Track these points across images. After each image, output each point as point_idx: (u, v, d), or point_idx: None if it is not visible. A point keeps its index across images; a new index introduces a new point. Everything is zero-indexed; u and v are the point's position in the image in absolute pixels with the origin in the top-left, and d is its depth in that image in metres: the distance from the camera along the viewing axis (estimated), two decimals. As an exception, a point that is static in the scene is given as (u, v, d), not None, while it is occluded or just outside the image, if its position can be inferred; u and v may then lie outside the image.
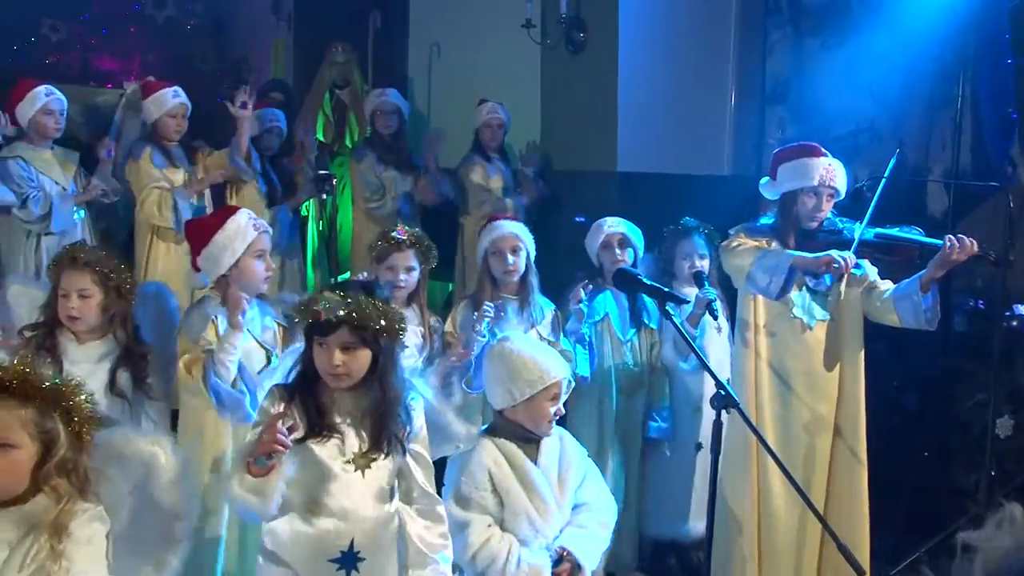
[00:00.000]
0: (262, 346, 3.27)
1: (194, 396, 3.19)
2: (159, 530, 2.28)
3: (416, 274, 3.67)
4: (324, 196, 5.02)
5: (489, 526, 2.80)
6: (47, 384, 2.01)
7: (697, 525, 4.02)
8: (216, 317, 3.19)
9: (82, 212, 4.88)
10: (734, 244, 3.55)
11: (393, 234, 3.68)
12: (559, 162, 5.67)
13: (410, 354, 3.23)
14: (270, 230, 3.35)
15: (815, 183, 3.47)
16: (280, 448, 2.40)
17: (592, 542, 2.91)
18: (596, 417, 3.95)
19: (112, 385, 3.10)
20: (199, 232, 3.31)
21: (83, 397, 2.06)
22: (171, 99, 5.01)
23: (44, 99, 4.78)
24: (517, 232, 3.86)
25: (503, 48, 5.88)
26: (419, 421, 2.69)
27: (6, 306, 3.37)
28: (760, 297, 3.57)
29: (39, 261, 4.65)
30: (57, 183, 4.80)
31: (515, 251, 3.81)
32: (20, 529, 2.02)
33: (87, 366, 3.09)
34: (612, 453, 3.98)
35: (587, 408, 3.95)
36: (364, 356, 2.54)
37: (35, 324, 3.19)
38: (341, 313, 2.49)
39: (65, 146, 4.97)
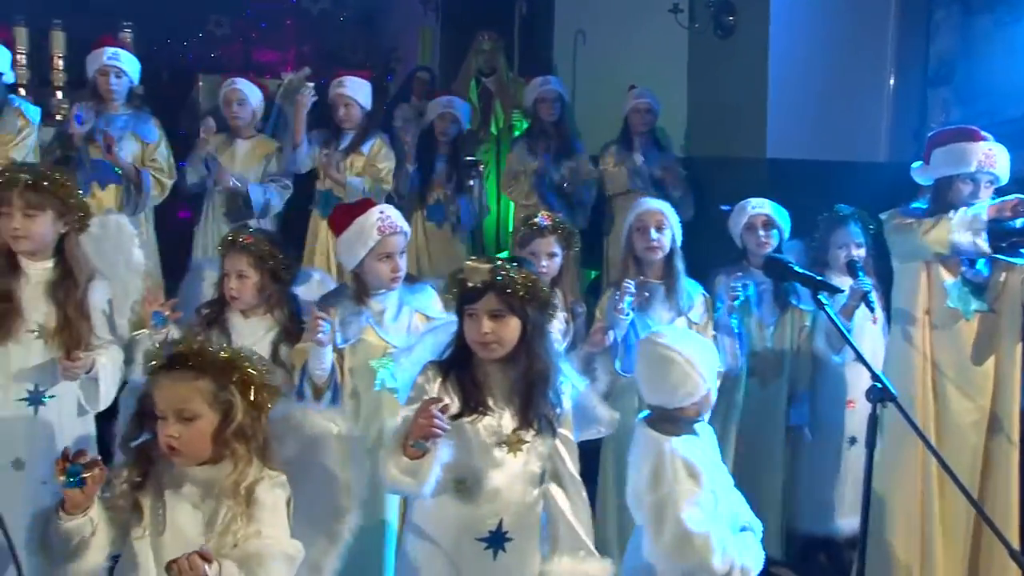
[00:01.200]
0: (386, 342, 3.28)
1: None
2: (331, 503, 2.38)
3: (558, 260, 3.66)
4: (471, 183, 5.08)
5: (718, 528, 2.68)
6: (221, 356, 2.15)
7: (849, 522, 3.90)
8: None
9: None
10: (907, 221, 3.36)
11: (535, 220, 3.69)
12: (705, 149, 5.56)
13: (555, 340, 3.23)
14: (404, 230, 3.30)
15: (972, 169, 3.28)
16: (437, 431, 2.41)
17: (753, 541, 2.81)
18: (722, 406, 3.70)
19: (275, 358, 3.26)
20: (339, 224, 3.37)
21: (256, 366, 2.19)
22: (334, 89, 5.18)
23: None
24: (662, 208, 3.75)
25: (649, 34, 5.82)
26: (567, 404, 2.69)
27: (199, 284, 3.63)
28: (924, 286, 3.40)
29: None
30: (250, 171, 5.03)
31: (660, 227, 3.69)
32: (202, 490, 2.17)
33: (252, 340, 3.27)
34: (739, 443, 3.88)
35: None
36: (513, 324, 2.56)
37: (210, 301, 3.42)
38: (487, 278, 2.53)
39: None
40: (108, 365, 3.17)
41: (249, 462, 2.16)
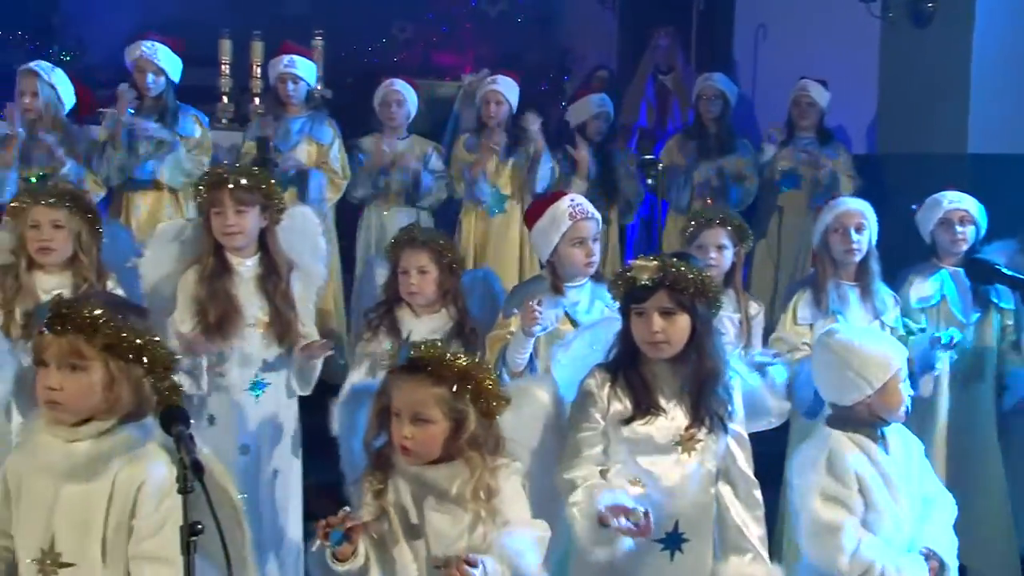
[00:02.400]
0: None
1: None
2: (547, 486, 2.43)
3: (729, 254, 3.60)
4: (649, 181, 5.02)
5: (856, 529, 2.59)
6: (459, 365, 2.21)
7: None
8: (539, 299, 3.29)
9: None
10: None
11: (703, 212, 3.69)
12: (898, 145, 5.27)
13: (727, 342, 3.16)
14: (596, 216, 3.38)
15: None
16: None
17: (951, 540, 2.68)
18: (918, 408, 3.54)
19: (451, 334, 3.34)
20: (532, 214, 3.48)
21: (491, 376, 2.25)
22: (487, 84, 5.29)
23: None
24: (863, 210, 3.65)
25: (838, 25, 5.58)
26: (738, 400, 2.64)
27: (374, 284, 3.75)
28: None
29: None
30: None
31: (859, 229, 3.61)
32: (442, 490, 2.23)
33: (425, 335, 3.31)
34: (942, 449, 3.68)
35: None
36: (683, 322, 2.51)
37: (377, 304, 3.51)
38: (657, 275, 2.49)
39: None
40: None
41: (484, 467, 2.22)
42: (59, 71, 4.65)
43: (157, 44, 4.84)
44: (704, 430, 2.56)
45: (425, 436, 2.20)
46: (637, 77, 6.51)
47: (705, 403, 2.55)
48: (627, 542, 2.42)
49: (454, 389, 2.19)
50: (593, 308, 3.36)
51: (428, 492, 2.24)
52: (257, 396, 3.34)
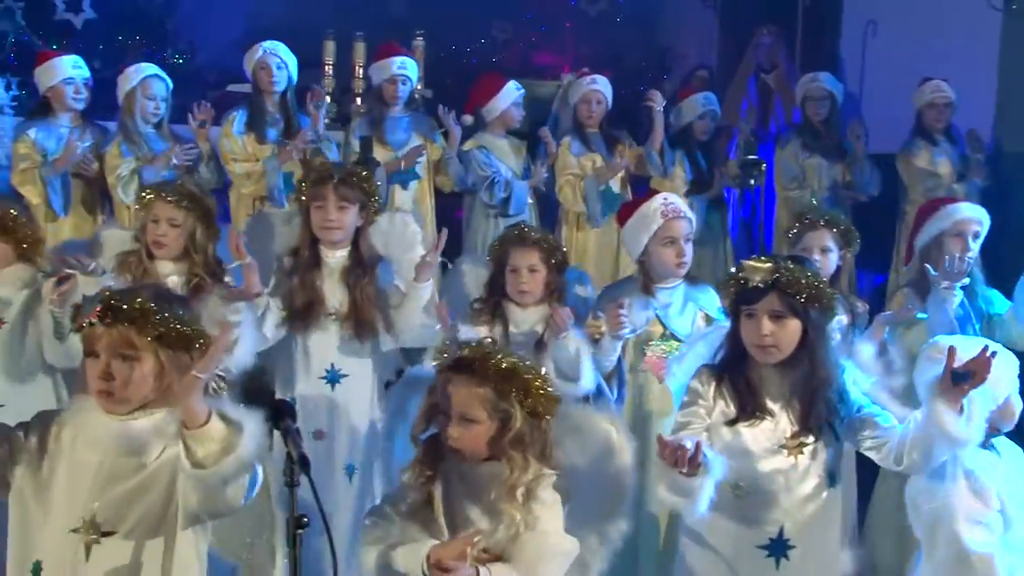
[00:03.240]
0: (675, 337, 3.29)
1: None
2: (605, 504, 2.37)
3: (833, 256, 3.50)
4: (751, 182, 4.92)
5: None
6: (504, 365, 2.18)
7: None
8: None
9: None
10: None
11: (809, 214, 3.60)
12: (1019, 144, 5.03)
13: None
14: (688, 215, 3.34)
15: None
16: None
17: None
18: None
19: (539, 345, 3.32)
20: (624, 213, 3.48)
21: (538, 376, 2.21)
22: (586, 84, 5.27)
23: (515, 93, 5.28)
24: (980, 217, 3.57)
25: (952, 20, 5.39)
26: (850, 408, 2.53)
27: (460, 282, 3.76)
28: None
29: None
30: (512, 169, 5.26)
31: (976, 236, 3.54)
32: (486, 486, 2.22)
33: (528, 328, 3.38)
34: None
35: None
36: (793, 327, 2.45)
37: (482, 298, 3.51)
38: (769, 277, 2.42)
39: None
40: None
41: (526, 468, 2.19)
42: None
43: (276, 43, 4.95)
44: (812, 437, 2.49)
45: (470, 435, 2.19)
46: (738, 76, 6.40)
47: (815, 410, 2.48)
48: (703, 497, 2.33)
49: (499, 389, 2.17)
50: (686, 311, 3.33)
51: (471, 489, 2.23)
52: (333, 385, 3.40)
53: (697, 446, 2.29)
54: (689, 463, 2.27)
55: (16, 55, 5.80)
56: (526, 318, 3.41)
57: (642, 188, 5.43)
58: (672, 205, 3.31)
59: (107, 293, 2.10)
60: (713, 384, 2.55)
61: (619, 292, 3.34)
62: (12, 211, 3.35)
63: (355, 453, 3.43)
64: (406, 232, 3.64)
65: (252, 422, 1.97)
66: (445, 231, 3.47)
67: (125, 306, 2.03)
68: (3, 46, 5.53)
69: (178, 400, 1.97)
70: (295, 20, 6.42)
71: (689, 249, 3.32)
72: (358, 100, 5.98)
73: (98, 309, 2.04)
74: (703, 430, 2.54)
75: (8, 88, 4.86)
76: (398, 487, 2.29)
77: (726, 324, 2.63)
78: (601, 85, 5.26)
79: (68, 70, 4.76)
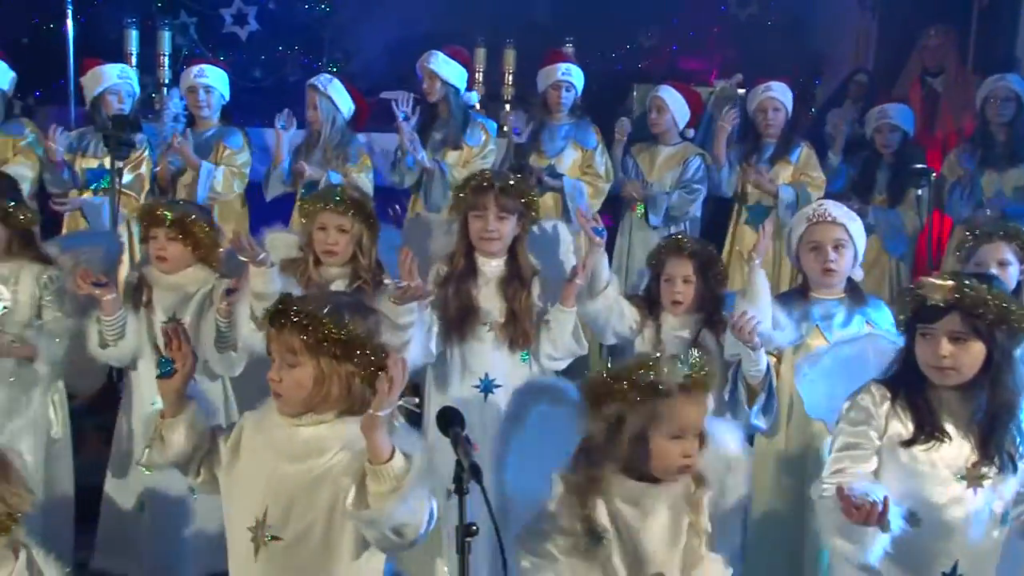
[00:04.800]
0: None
1: None
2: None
3: (1014, 271, 3.30)
4: (919, 192, 4.68)
5: None
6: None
7: None
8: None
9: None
10: None
11: (983, 225, 3.46)
12: None
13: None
14: (843, 222, 3.19)
15: None
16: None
17: None
18: None
19: (695, 342, 3.32)
20: None
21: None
22: (761, 92, 5.14)
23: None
24: None
25: None
26: None
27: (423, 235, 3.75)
28: None
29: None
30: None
31: None
32: (673, 503, 2.19)
33: (679, 331, 3.38)
34: None
35: None
36: (976, 350, 2.30)
37: (640, 296, 3.53)
38: (950, 297, 2.28)
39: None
40: None
41: (703, 481, 2.20)
42: (336, 83, 4.93)
43: (435, 53, 5.03)
44: (993, 468, 2.34)
45: (694, 453, 2.15)
46: (902, 80, 6.11)
47: (996, 439, 2.33)
48: (877, 548, 2.24)
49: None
50: (851, 323, 3.19)
51: (646, 513, 2.17)
52: (486, 395, 3.41)
53: (885, 502, 2.19)
54: (879, 520, 2.19)
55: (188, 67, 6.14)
56: (679, 323, 3.39)
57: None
58: (821, 209, 3.20)
59: (281, 299, 2.18)
60: (887, 402, 2.41)
61: (782, 302, 3.24)
62: (192, 214, 3.47)
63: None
64: (556, 239, 3.64)
65: (420, 457, 1.99)
66: (596, 251, 3.41)
67: (291, 313, 2.10)
68: (177, 59, 5.85)
69: (344, 408, 2.04)
70: (446, 27, 6.53)
71: (841, 257, 3.16)
72: (507, 107, 6.05)
73: (269, 312, 2.13)
74: (872, 454, 2.41)
75: (182, 98, 5.13)
76: (544, 515, 2.21)
77: (878, 333, 2.51)
78: (777, 92, 5.12)
79: (112, 78, 4.93)
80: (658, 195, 5.03)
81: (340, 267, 3.46)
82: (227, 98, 5.06)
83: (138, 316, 3.45)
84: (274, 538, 2.11)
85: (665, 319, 3.42)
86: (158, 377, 2.20)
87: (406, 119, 4.82)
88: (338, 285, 3.40)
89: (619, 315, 3.40)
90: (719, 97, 5.55)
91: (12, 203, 3.53)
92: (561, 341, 3.36)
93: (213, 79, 4.97)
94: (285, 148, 4.83)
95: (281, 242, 3.61)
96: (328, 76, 4.98)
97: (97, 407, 4.13)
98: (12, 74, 4.86)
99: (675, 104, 5.16)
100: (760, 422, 3.06)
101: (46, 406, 3.56)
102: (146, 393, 3.45)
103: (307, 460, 2.10)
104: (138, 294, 3.48)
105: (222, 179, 4.87)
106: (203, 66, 4.97)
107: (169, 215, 3.41)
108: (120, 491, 3.58)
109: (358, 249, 3.44)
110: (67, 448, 3.63)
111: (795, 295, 3.32)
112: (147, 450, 2.21)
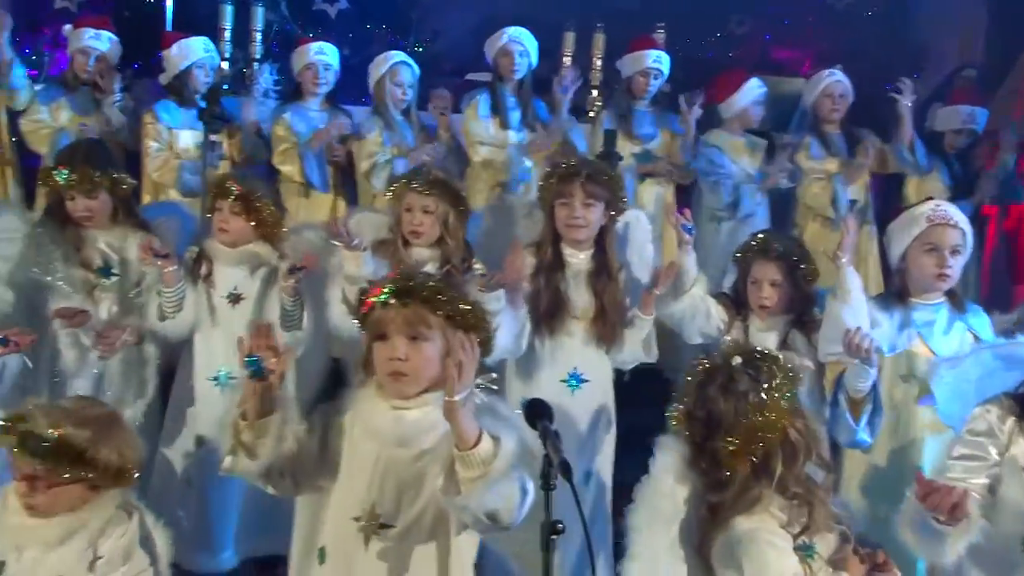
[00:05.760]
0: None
1: None
2: None
3: None
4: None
5: None
6: None
7: None
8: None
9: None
10: None
11: None
12: None
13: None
14: (963, 227, 3.09)
15: None
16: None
17: None
18: None
19: (784, 343, 3.25)
20: (894, 216, 3.29)
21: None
22: (826, 77, 5.06)
23: (757, 91, 5.12)
24: None
25: None
26: None
27: None
28: None
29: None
30: (745, 170, 5.08)
31: None
32: None
33: (769, 335, 3.29)
34: None
35: None
36: None
37: (727, 296, 3.45)
38: None
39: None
40: None
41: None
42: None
43: (520, 29, 5.00)
44: None
45: None
46: (1013, 76, 5.82)
47: None
48: (951, 549, 2.17)
49: None
50: (952, 331, 3.08)
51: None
52: (573, 390, 3.33)
53: (964, 494, 2.09)
54: (951, 511, 2.06)
55: (279, 43, 6.20)
56: (765, 327, 3.30)
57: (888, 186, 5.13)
58: (941, 211, 3.08)
59: (398, 275, 2.16)
60: (1011, 419, 2.31)
61: (882, 306, 3.11)
62: (257, 190, 3.50)
63: (593, 459, 3.40)
64: (637, 229, 3.56)
65: (511, 440, 1.94)
66: (685, 249, 3.34)
67: (418, 287, 2.08)
68: (269, 35, 5.90)
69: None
70: (535, 10, 6.45)
71: (955, 263, 3.06)
72: (594, 92, 5.96)
73: (391, 289, 2.08)
74: (986, 471, 2.30)
75: (272, 73, 5.17)
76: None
77: (1001, 345, 2.41)
78: (842, 77, 5.01)
79: (199, 52, 4.92)
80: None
81: (429, 249, 3.45)
82: (338, 76, 5.05)
83: (196, 289, 3.48)
84: (385, 526, 2.08)
85: (753, 320, 3.34)
86: (249, 379, 2.02)
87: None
88: (428, 268, 3.39)
89: (705, 315, 3.32)
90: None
91: (115, 172, 3.60)
92: (630, 346, 3.31)
93: (331, 57, 4.95)
94: None
95: (368, 222, 3.62)
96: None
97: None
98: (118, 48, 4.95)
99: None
100: (865, 436, 2.95)
101: (144, 365, 3.62)
102: (201, 367, 3.48)
103: (415, 443, 2.07)
104: (197, 267, 3.51)
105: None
106: (322, 43, 4.96)
107: (234, 190, 3.43)
108: (167, 465, 3.60)
109: (445, 231, 3.42)
110: (158, 409, 3.69)
111: (892, 298, 3.19)
112: (231, 457, 2.08)
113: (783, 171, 4.98)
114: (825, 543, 2.08)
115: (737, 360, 2.11)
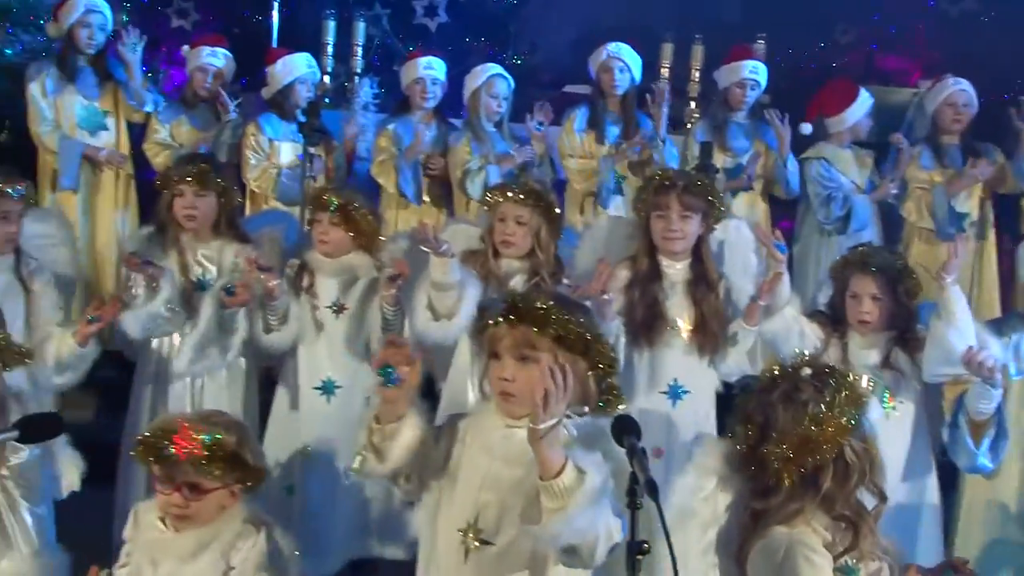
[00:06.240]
0: None
1: None
2: None
3: None
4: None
5: None
6: None
7: None
8: None
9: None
10: None
11: None
12: None
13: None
14: None
15: None
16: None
17: None
18: None
19: (886, 361, 3.19)
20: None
21: None
22: (951, 86, 4.91)
23: (868, 103, 5.02)
24: None
25: None
26: None
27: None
28: None
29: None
30: (854, 182, 4.95)
31: None
32: None
33: (868, 351, 3.24)
34: None
35: None
36: None
37: (822, 314, 3.37)
38: None
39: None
40: None
41: None
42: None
43: (621, 45, 5.00)
44: None
45: None
46: None
47: None
48: None
49: None
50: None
51: None
52: (674, 402, 3.29)
53: None
54: None
55: (380, 57, 6.33)
56: (866, 344, 3.21)
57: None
58: None
59: (511, 294, 2.18)
60: None
61: (1006, 328, 2.98)
62: (355, 201, 3.56)
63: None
64: (739, 239, 3.51)
65: (598, 475, 1.90)
66: (778, 268, 3.26)
67: (527, 307, 2.06)
68: (370, 49, 6.04)
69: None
70: (633, 21, 6.43)
71: None
72: (692, 104, 5.89)
73: (502, 309, 2.08)
74: None
75: (373, 86, 5.28)
76: None
77: None
78: (967, 87, 4.87)
79: (302, 68, 5.03)
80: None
81: (519, 261, 3.46)
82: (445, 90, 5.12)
83: (300, 301, 3.55)
84: (484, 542, 2.08)
85: (852, 337, 3.25)
86: (382, 387, 2.06)
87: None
88: (517, 280, 3.40)
89: (799, 335, 3.25)
90: (923, 99, 5.15)
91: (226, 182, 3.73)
92: (735, 357, 3.26)
93: (439, 71, 5.04)
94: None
95: (463, 233, 3.66)
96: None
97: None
98: (233, 64, 5.16)
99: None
100: (986, 461, 2.82)
101: (241, 377, 3.73)
102: (306, 376, 3.56)
103: (523, 463, 2.04)
104: (299, 279, 3.60)
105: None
106: (431, 58, 5.05)
107: (334, 201, 3.50)
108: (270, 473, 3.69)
109: (536, 243, 3.43)
110: (257, 421, 3.77)
111: (1016, 320, 3.06)
112: (360, 458, 2.11)
113: (894, 181, 4.83)
114: (868, 572, 2.03)
115: (806, 371, 2.07)
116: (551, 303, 2.06)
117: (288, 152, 4.97)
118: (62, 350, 3.27)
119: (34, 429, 2.14)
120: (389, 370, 2.04)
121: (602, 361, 2.08)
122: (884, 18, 7.30)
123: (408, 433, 2.08)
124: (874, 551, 2.04)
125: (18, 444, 2.35)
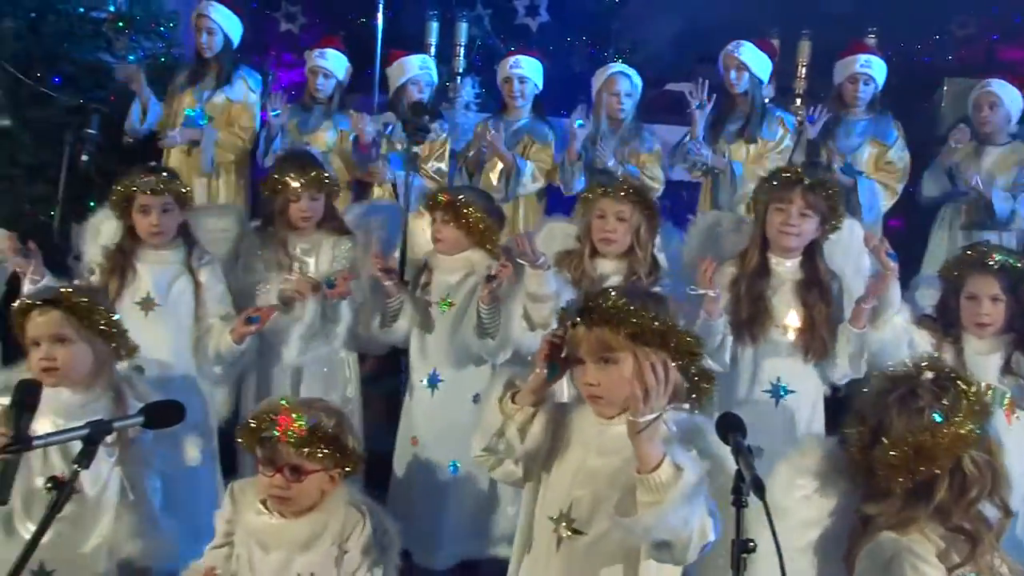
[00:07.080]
0: None
1: None
2: None
3: None
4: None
5: None
6: None
7: None
8: None
9: None
10: None
11: None
12: None
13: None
14: None
15: None
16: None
17: None
18: None
19: (1007, 366, 3.08)
20: None
21: None
22: None
23: None
24: None
25: None
26: None
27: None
28: None
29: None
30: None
31: None
32: None
33: (987, 355, 3.13)
34: None
35: None
36: None
37: (931, 319, 3.29)
38: None
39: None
40: None
41: None
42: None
43: (743, 43, 4.91)
44: None
45: None
46: None
47: None
48: None
49: None
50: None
51: None
52: (777, 401, 3.24)
53: None
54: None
55: (480, 57, 6.38)
56: (984, 349, 3.10)
57: None
58: None
59: (584, 296, 2.17)
60: None
61: None
62: (463, 197, 3.55)
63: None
64: (852, 240, 3.42)
65: (694, 472, 1.87)
66: (889, 276, 3.15)
67: (600, 307, 2.05)
68: (471, 49, 6.09)
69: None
70: (737, 18, 6.31)
71: None
72: (798, 101, 5.75)
73: (577, 312, 2.08)
74: None
75: (475, 86, 5.32)
76: None
77: None
78: (996, 87, 4.73)
79: (415, 69, 5.04)
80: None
81: (615, 261, 3.43)
82: (540, 88, 5.09)
83: (416, 297, 3.59)
84: (576, 532, 2.08)
85: (968, 341, 3.11)
86: (545, 379, 2.12)
87: (700, 108, 4.70)
88: (613, 280, 3.37)
89: (909, 345, 3.13)
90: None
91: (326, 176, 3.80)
92: (841, 360, 3.19)
93: (528, 70, 5.04)
94: (579, 143, 4.77)
95: (560, 232, 3.65)
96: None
97: (380, 374, 4.39)
98: (348, 65, 5.21)
99: (1010, 99, 4.74)
100: None
101: (342, 367, 3.79)
102: (416, 370, 3.60)
103: (617, 455, 2.03)
104: (418, 276, 3.64)
105: (529, 176, 4.89)
106: (519, 56, 5.05)
107: (442, 199, 3.52)
108: (399, 467, 3.72)
109: (636, 241, 3.39)
110: (358, 409, 3.84)
111: None
112: (496, 438, 2.14)
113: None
114: None
115: (927, 375, 1.98)
116: (622, 300, 2.03)
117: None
118: (220, 345, 3.39)
119: (158, 416, 2.23)
120: (556, 365, 2.10)
121: (684, 350, 2.04)
122: (1005, 8, 6.96)
123: (543, 417, 2.13)
124: (993, 568, 1.94)
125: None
